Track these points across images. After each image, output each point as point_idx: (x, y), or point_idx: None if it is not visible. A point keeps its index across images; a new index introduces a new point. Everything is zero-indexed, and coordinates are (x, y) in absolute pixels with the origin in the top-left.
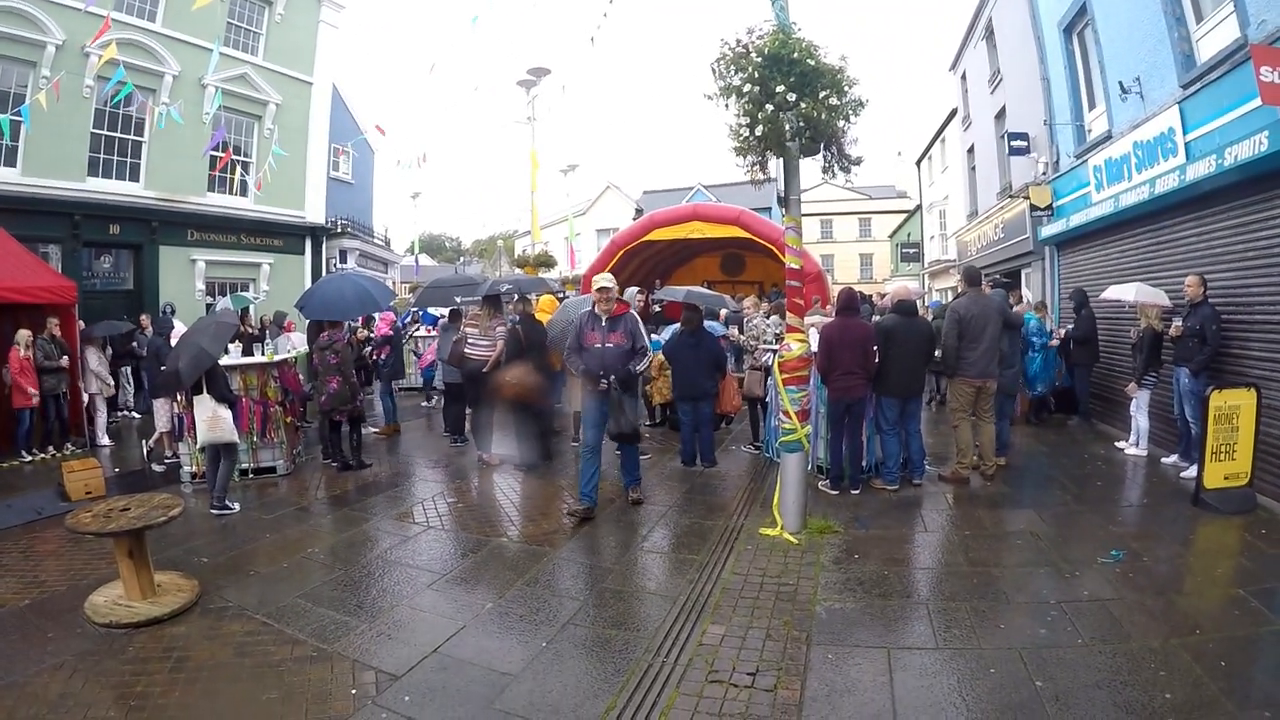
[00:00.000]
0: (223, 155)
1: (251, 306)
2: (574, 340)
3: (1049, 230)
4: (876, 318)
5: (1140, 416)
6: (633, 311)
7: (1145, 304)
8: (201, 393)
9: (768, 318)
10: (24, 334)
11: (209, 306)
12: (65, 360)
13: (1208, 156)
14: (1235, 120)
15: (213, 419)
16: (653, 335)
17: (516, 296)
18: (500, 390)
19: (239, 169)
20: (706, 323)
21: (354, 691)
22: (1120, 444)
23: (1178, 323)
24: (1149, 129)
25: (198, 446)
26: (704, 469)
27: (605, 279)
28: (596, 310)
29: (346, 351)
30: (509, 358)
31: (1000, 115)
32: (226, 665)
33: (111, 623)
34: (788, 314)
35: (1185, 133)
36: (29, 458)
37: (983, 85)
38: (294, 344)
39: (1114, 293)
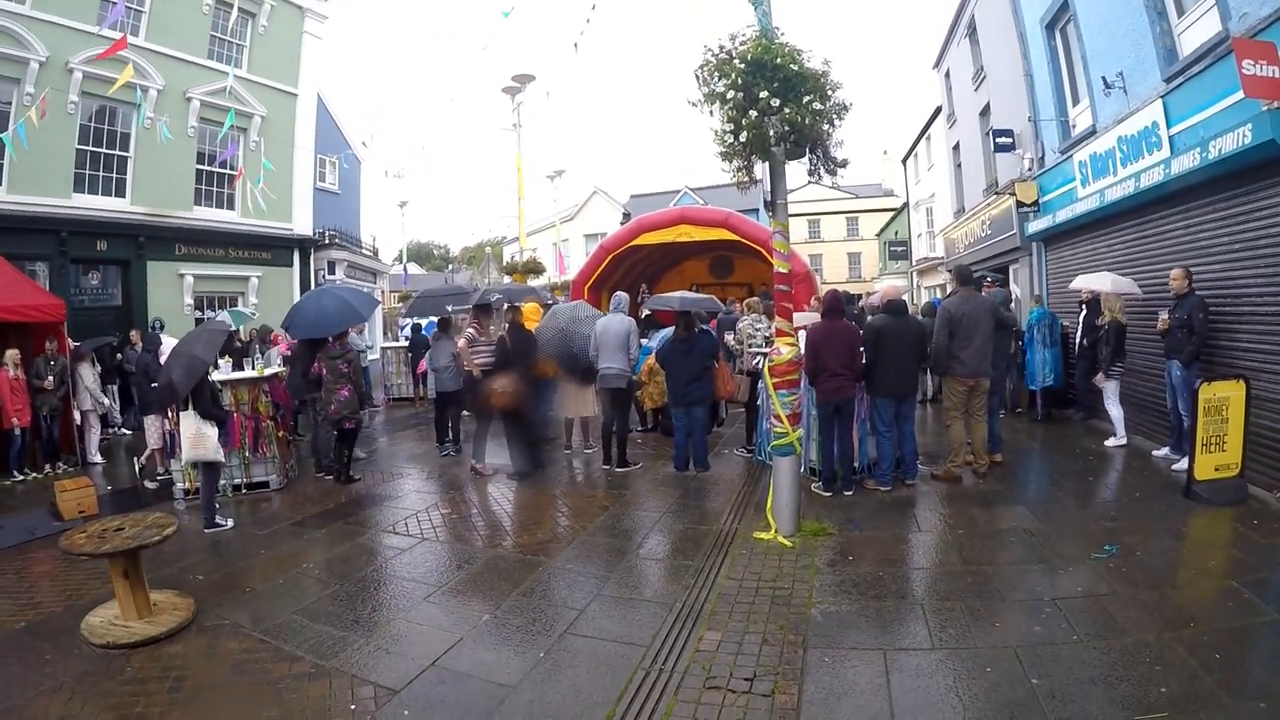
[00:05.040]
0: (236, 173)
1: (245, 321)
2: None
3: (1035, 226)
4: (869, 318)
5: (1112, 407)
6: None
7: (1109, 295)
8: (187, 409)
9: (758, 322)
10: (12, 354)
11: (198, 320)
12: (50, 381)
13: (1192, 150)
14: (1219, 113)
15: (196, 436)
16: (643, 340)
17: (506, 305)
18: (490, 399)
19: (232, 183)
20: None
21: (353, 707)
22: (1109, 441)
23: (1164, 315)
24: (1133, 123)
25: (184, 462)
26: (697, 474)
27: None
28: None
29: (357, 360)
30: (497, 367)
31: (985, 112)
32: (224, 684)
33: (109, 643)
34: (777, 318)
35: (1169, 126)
36: (21, 477)
37: (966, 82)
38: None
39: (1083, 282)
